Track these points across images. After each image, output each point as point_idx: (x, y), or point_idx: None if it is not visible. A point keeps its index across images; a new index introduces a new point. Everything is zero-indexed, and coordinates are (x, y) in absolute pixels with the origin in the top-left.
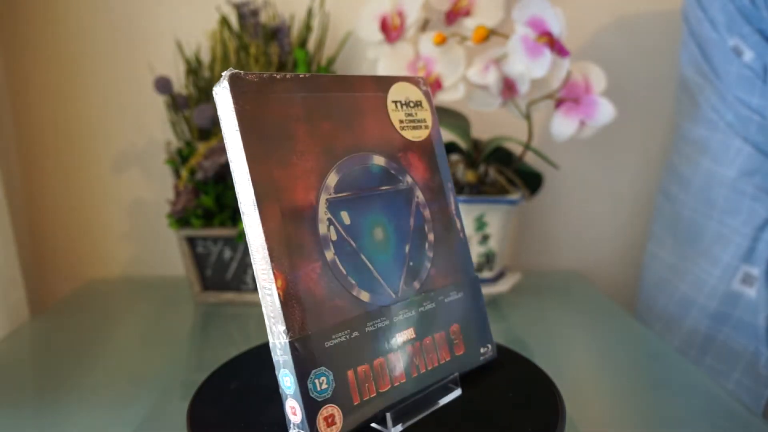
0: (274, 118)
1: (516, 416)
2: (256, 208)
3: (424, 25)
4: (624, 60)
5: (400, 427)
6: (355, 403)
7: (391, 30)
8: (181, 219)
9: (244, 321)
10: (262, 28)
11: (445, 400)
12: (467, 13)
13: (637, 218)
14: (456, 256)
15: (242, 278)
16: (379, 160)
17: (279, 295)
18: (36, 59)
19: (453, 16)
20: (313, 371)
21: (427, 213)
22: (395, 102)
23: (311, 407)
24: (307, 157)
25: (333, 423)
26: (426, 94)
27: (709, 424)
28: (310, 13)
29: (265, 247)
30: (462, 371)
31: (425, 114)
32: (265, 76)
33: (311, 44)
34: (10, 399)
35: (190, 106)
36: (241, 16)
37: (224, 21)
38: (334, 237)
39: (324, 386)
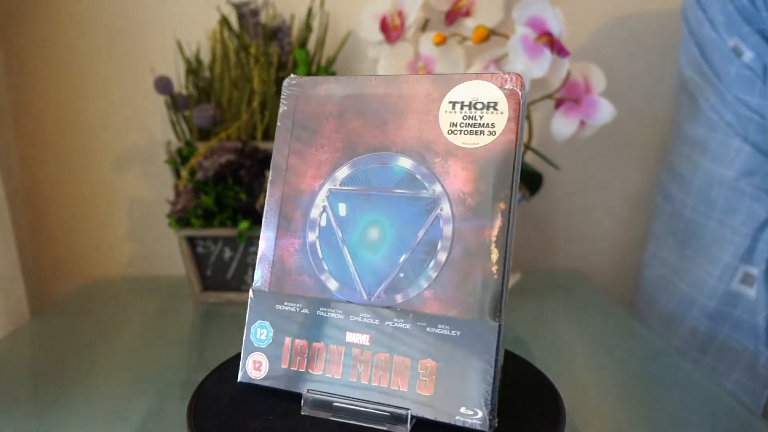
0: (306, 115)
1: (516, 417)
2: (269, 186)
3: (424, 25)
4: (624, 60)
5: (320, 413)
6: (283, 366)
7: (391, 30)
8: (181, 219)
9: (244, 321)
10: (262, 28)
11: (379, 427)
12: (467, 13)
13: (637, 218)
14: (474, 291)
15: (242, 278)
16: (404, 162)
17: (258, 253)
18: (36, 59)
19: (453, 16)
20: (258, 321)
21: (448, 229)
22: (454, 102)
23: (248, 348)
24: (324, 150)
25: (259, 369)
26: (511, 95)
27: (709, 424)
28: (310, 13)
29: (263, 216)
30: (424, 416)
31: (497, 118)
32: (312, 79)
33: (311, 44)
34: (10, 399)
35: (190, 106)
36: (241, 16)
37: (224, 21)
38: (323, 223)
39: (262, 337)
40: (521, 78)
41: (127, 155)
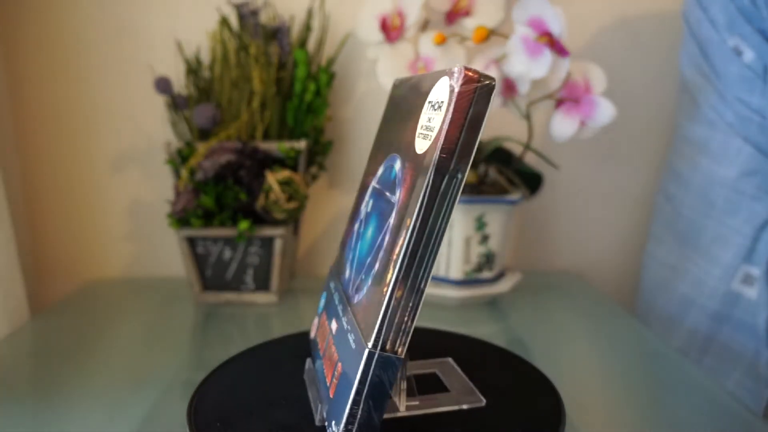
0: (382, 119)
1: (516, 417)
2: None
3: (424, 25)
4: (624, 60)
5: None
6: (311, 336)
7: (391, 30)
8: (181, 219)
9: (244, 321)
10: (262, 28)
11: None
12: (467, 13)
13: (636, 218)
14: (369, 310)
15: (242, 278)
16: (397, 166)
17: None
18: (36, 59)
19: (453, 16)
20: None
21: (387, 240)
22: (430, 102)
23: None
24: (380, 151)
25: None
26: (453, 93)
27: (709, 424)
28: (310, 14)
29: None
30: (323, 417)
31: (438, 121)
32: (398, 79)
33: (311, 44)
34: (10, 399)
35: (190, 106)
36: (241, 17)
37: (224, 21)
38: (363, 215)
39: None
40: (473, 74)
41: (127, 155)
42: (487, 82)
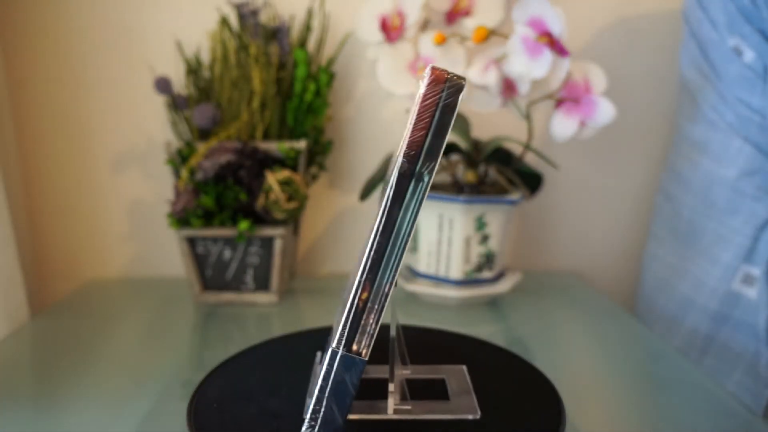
0: None
1: (516, 418)
2: None
3: (424, 25)
4: (624, 60)
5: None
6: None
7: (391, 30)
8: (181, 219)
9: (244, 321)
10: (262, 28)
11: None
12: (467, 13)
13: (637, 218)
14: (339, 310)
15: (242, 278)
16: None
17: None
18: (36, 59)
19: (453, 16)
20: None
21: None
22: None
23: None
24: None
25: None
26: (419, 94)
27: (709, 424)
28: (310, 14)
29: None
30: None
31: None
32: None
33: (311, 44)
34: (10, 399)
35: (190, 106)
36: (241, 16)
37: (224, 21)
38: None
39: None
40: (440, 74)
41: (127, 155)
42: (455, 82)
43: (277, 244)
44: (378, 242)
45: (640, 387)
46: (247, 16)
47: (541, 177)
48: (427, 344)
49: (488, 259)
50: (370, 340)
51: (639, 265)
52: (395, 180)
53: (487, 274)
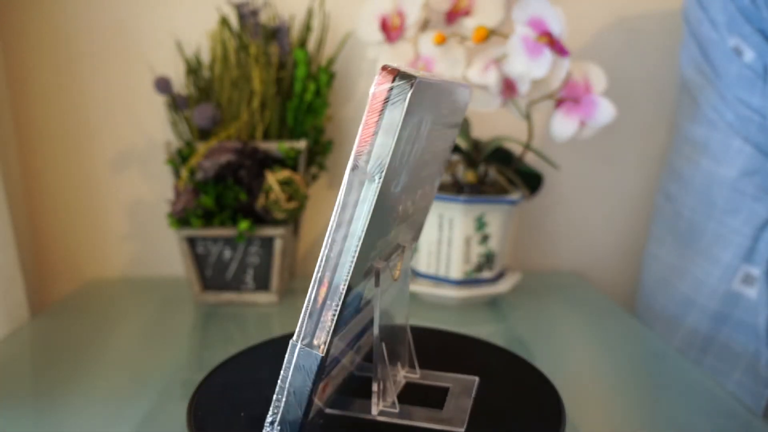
0: None
1: (516, 418)
2: None
3: (424, 25)
4: (624, 60)
5: None
6: None
7: (391, 30)
8: (181, 219)
9: (244, 321)
10: (262, 28)
11: None
12: (467, 13)
13: (637, 218)
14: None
15: (242, 278)
16: None
17: None
18: (36, 59)
19: (453, 16)
20: None
21: None
22: None
23: None
24: None
25: None
26: (370, 95)
27: (709, 424)
28: (310, 13)
29: None
30: None
31: None
32: None
33: (311, 44)
34: (10, 399)
35: (190, 106)
36: (241, 16)
37: (224, 21)
38: None
39: None
40: (389, 73)
41: (127, 155)
42: (404, 81)
43: (277, 244)
44: (332, 240)
45: (640, 387)
46: (247, 15)
47: (541, 177)
48: (427, 344)
49: (488, 259)
50: (327, 337)
51: (639, 265)
52: (346, 180)
53: (487, 274)
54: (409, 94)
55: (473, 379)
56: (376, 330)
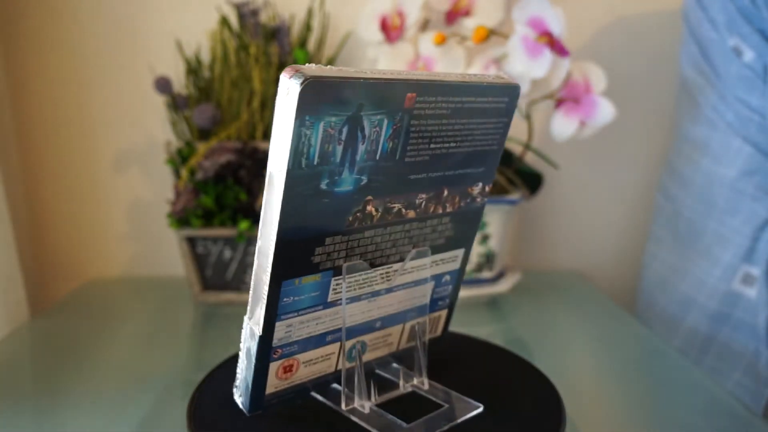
0: None
1: (516, 417)
2: None
3: (424, 25)
4: (624, 60)
5: None
6: None
7: (391, 30)
8: (181, 219)
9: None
10: (262, 28)
11: None
12: (467, 13)
13: (637, 218)
14: None
15: (242, 278)
16: None
17: None
18: (36, 59)
19: (453, 16)
20: None
21: None
22: None
23: None
24: None
25: None
26: None
27: (709, 424)
28: (310, 13)
29: None
30: None
31: None
32: None
33: (311, 44)
34: (10, 399)
35: (190, 106)
36: (241, 16)
37: (224, 21)
38: None
39: None
40: (286, 76)
41: (127, 155)
42: (297, 81)
43: None
44: (260, 232)
45: (640, 387)
46: (247, 15)
47: (541, 177)
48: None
49: (488, 259)
50: (261, 319)
51: (639, 265)
52: (266, 179)
53: (487, 273)
54: (297, 94)
55: (476, 405)
56: (345, 324)
